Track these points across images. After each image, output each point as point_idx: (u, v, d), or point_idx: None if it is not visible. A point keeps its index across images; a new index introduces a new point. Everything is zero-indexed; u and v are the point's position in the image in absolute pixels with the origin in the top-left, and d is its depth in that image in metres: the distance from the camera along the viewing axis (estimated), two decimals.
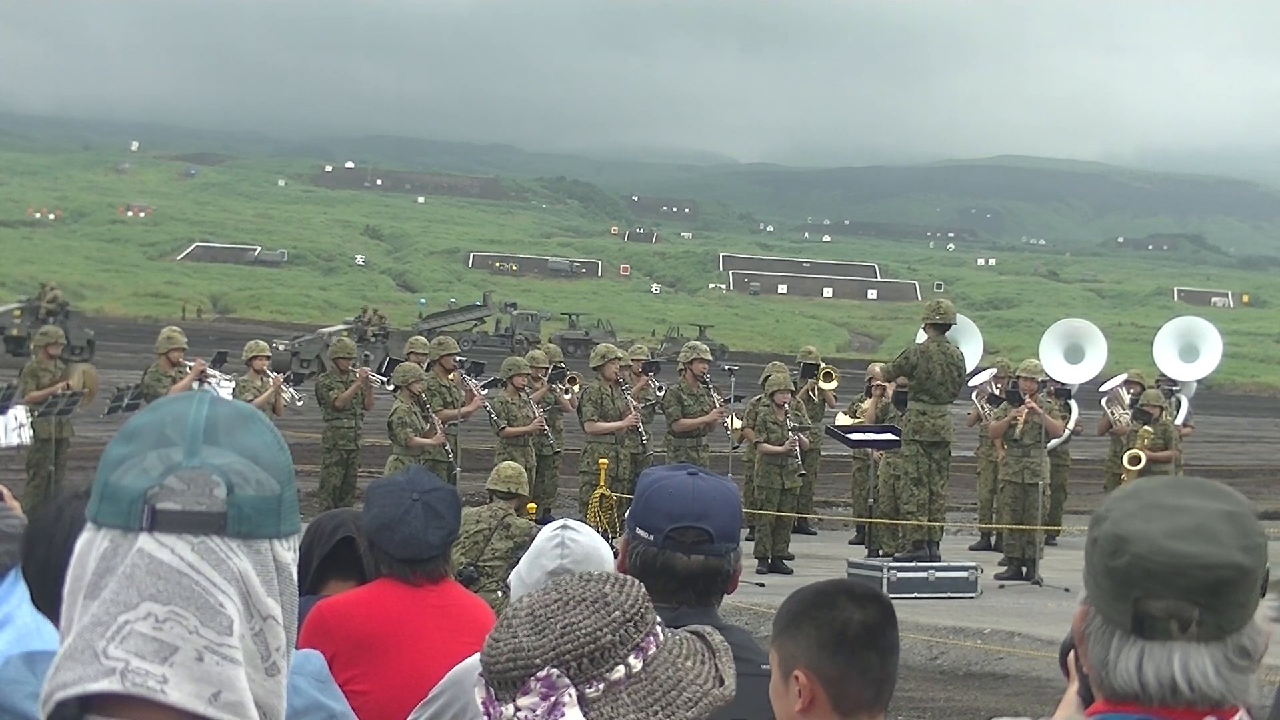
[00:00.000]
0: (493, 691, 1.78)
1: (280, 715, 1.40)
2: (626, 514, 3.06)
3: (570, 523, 3.59)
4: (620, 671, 1.78)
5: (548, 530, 3.57)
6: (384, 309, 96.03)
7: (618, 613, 1.80)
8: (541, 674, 1.75)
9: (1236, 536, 1.82)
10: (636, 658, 1.80)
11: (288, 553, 1.41)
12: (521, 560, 3.62)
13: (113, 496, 1.36)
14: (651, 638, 1.82)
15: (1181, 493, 1.88)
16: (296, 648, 2.83)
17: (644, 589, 1.87)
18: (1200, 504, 1.85)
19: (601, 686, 1.76)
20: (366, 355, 45.20)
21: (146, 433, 1.39)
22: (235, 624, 1.34)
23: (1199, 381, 19.95)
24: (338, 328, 51.59)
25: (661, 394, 16.68)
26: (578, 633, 1.77)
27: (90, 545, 1.36)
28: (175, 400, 1.43)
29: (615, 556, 3.25)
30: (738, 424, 16.70)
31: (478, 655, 1.90)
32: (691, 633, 1.92)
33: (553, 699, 1.74)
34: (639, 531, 2.92)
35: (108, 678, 1.30)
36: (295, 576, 1.43)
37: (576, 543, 3.49)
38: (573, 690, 1.75)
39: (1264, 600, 1.87)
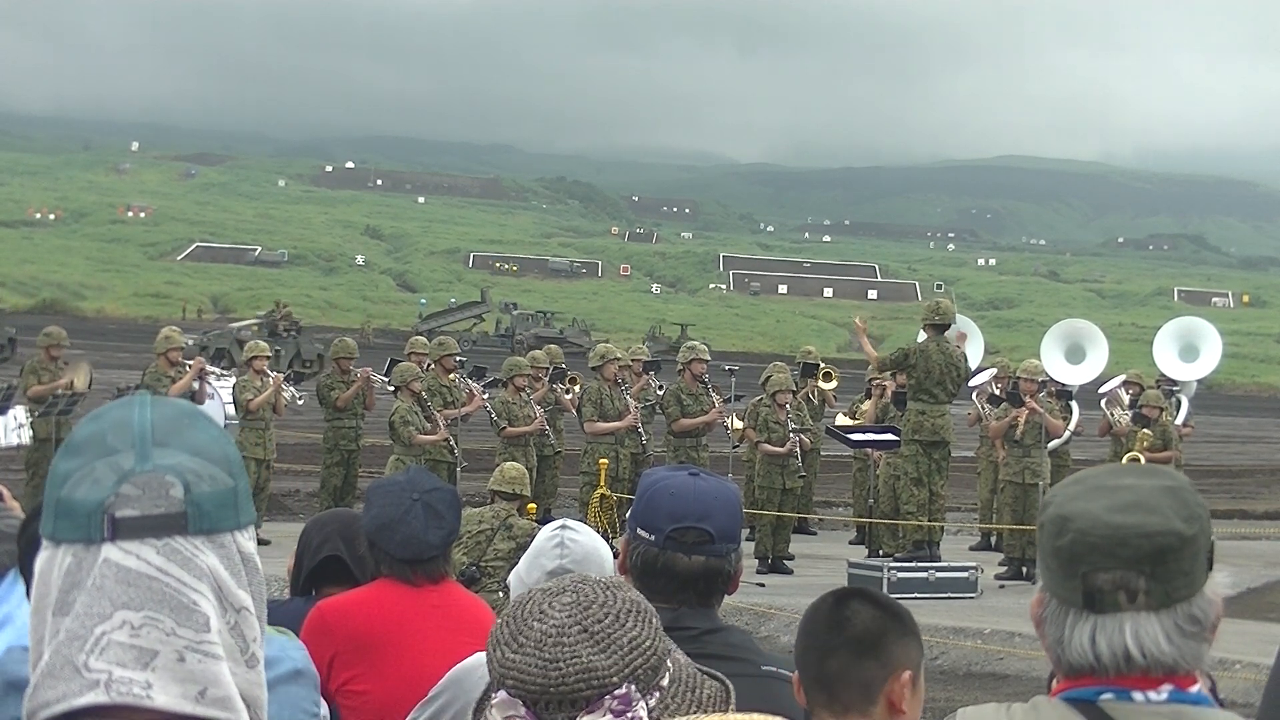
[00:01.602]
0: (538, 711, 1.76)
1: (263, 706, 1.40)
2: (628, 514, 3.06)
3: (569, 523, 3.59)
4: (668, 677, 1.79)
5: (547, 530, 3.57)
6: (385, 309, 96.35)
7: (655, 620, 1.80)
8: (620, 691, 1.73)
9: (1176, 508, 1.89)
10: (671, 661, 1.81)
11: (249, 543, 1.41)
12: (520, 560, 3.62)
13: (68, 512, 1.35)
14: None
15: (1122, 475, 1.96)
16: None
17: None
18: (1139, 482, 1.93)
19: (657, 695, 1.76)
20: (277, 350, 45.17)
21: (91, 444, 1.38)
22: (211, 620, 1.34)
23: (1199, 381, 19.94)
24: (248, 322, 51.16)
25: (661, 394, 16.69)
26: (644, 646, 1.76)
27: (51, 563, 1.35)
28: (115, 407, 1.41)
29: (616, 557, 3.25)
30: (738, 424, 16.69)
31: (479, 655, 1.89)
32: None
33: (628, 715, 1.74)
34: (640, 532, 2.92)
35: (92, 691, 1.30)
36: (259, 565, 1.43)
37: (576, 543, 3.49)
38: (643, 703, 1.74)
39: (1212, 573, 1.93)
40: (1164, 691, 1.91)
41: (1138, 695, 1.90)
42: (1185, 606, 1.89)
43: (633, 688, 1.74)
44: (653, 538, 2.90)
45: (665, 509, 2.90)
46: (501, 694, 1.79)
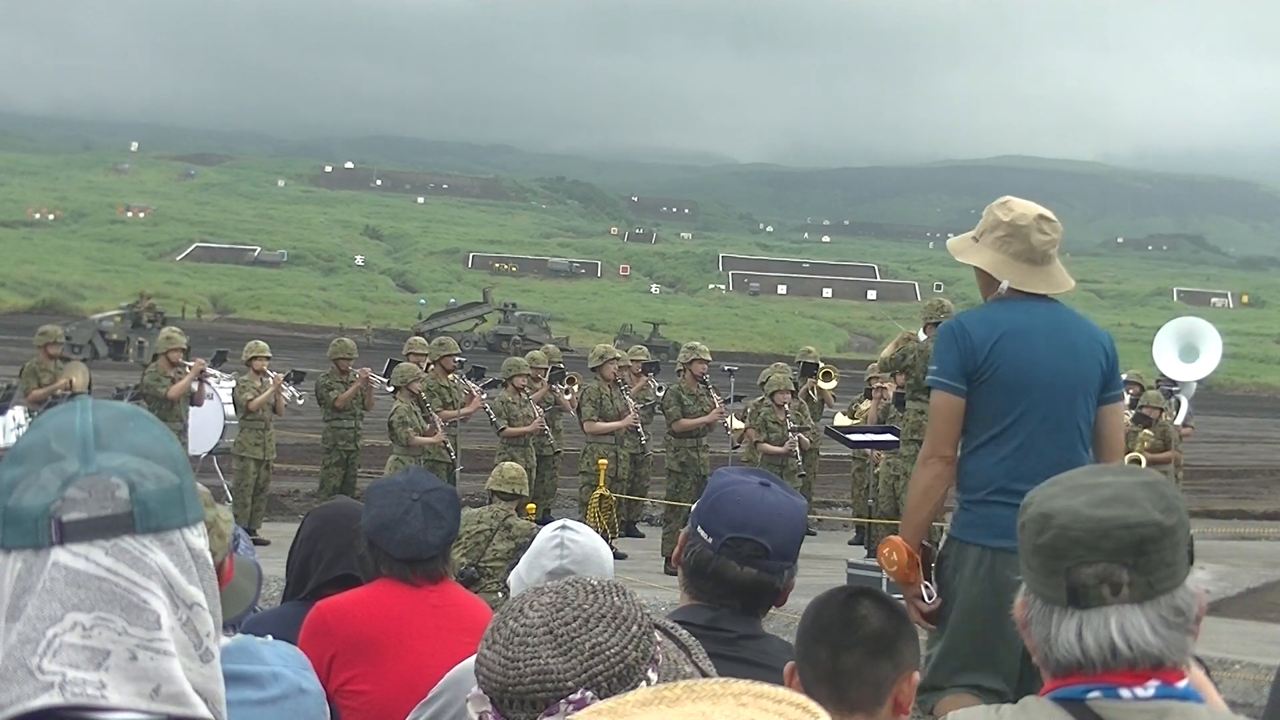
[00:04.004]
0: (501, 708, 1.75)
1: (220, 699, 1.41)
2: (693, 508, 3.06)
3: (569, 523, 3.59)
4: (642, 687, 1.72)
5: (547, 531, 3.56)
6: (384, 309, 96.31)
7: (635, 627, 1.77)
8: (575, 696, 1.71)
9: (1154, 500, 1.94)
10: (653, 670, 1.77)
11: (199, 539, 1.42)
12: (520, 561, 3.62)
13: (16, 519, 1.35)
14: (658, 646, 1.81)
15: (1099, 473, 2.00)
16: (298, 647, 2.91)
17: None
18: (1117, 479, 1.97)
19: None
20: (141, 342, 44.99)
21: (35, 451, 1.38)
22: (162, 617, 1.35)
23: (1199, 382, 19.93)
24: (111, 313, 50.98)
25: (661, 394, 16.66)
26: (607, 653, 1.73)
27: (2, 571, 1.36)
28: (57, 413, 1.43)
29: (618, 557, 3.24)
30: (738, 424, 16.67)
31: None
32: (659, 629, 1.90)
33: None
34: (700, 531, 2.93)
35: (47, 693, 1.30)
36: (210, 561, 1.44)
37: (576, 543, 3.48)
38: None
39: (1193, 568, 1.96)
40: (1151, 687, 1.92)
41: (1125, 692, 1.92)
42: (1169, 598, 1.92)
43: (590, 694, 1.71)
44: (710, 541, 2.90)
45: (728, 515, 2.90)
46: (475, 688, 1.79)
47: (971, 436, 4.78)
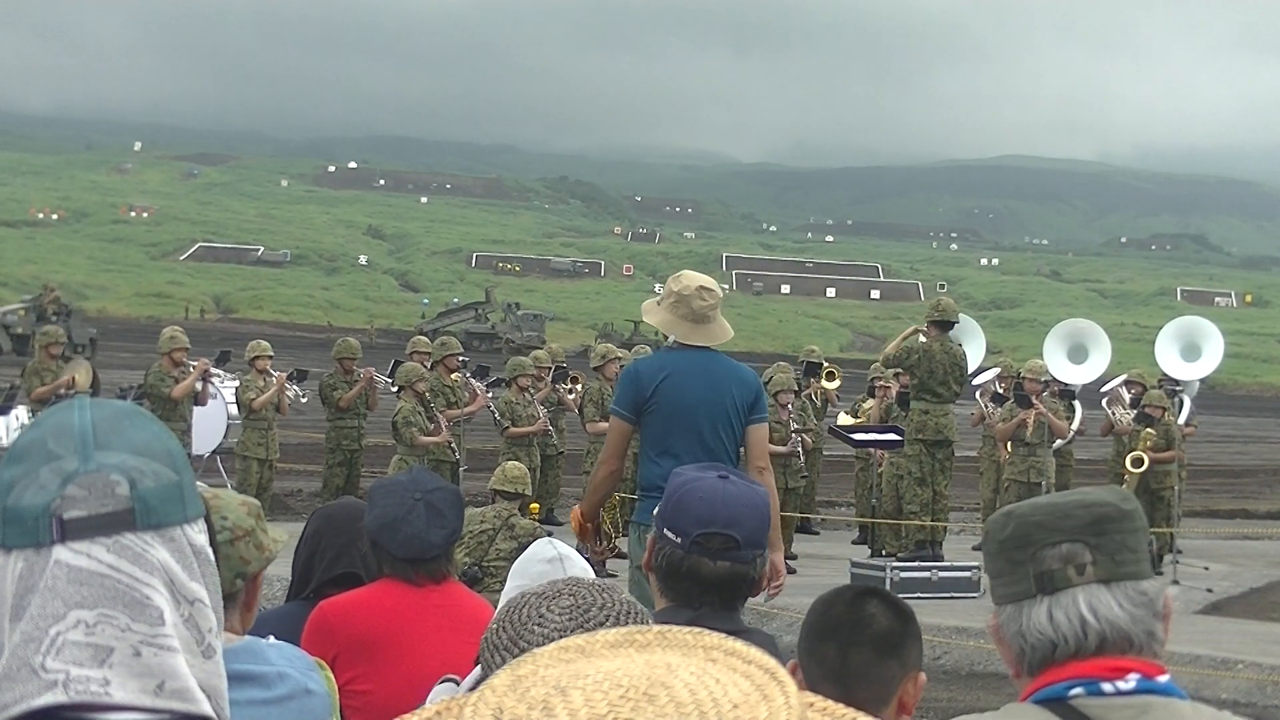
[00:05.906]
0: None
1: (223, 695, 1.41)
2: (655, 511, 3.07)
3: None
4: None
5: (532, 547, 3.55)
6: (387, 309, 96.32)
7: (650, 619, 1.81)
8: None
9: (1110, 491, 2.05)
10: None
11: (200, 535, 1.42)
12: (512, 572, 3.58)
13: (16, 519, 1.35)
14: None
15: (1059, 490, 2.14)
16: (301, 647, 2.92)
17: None
18: (1077, 487, 2.08)
19: None
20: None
21: (33, 450, 1.38)
22: (165, 613, 1.35)
23: (1201, 381, 19.89)
24: (14, 306, 50.67)
25: None
26: None
27: (3, 571, 1.35)
28: (55, 412, 1.42)
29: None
30: None
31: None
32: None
33: None
34: (667, 533, 2.93)
35: (50, 691, 1.30)
36: (212, 557, 1.43)
37: (558, 542, 3.48)
38: None
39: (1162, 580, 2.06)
40: (1131, 680, 1.92)
41: (1107, 686, 1.92)
42: (1135, 584, 1.97)
43: None
44: (679, 540, 2.91)
45: (693, 513, 2.91)
46: None
47: (646, 449, 6.33)
